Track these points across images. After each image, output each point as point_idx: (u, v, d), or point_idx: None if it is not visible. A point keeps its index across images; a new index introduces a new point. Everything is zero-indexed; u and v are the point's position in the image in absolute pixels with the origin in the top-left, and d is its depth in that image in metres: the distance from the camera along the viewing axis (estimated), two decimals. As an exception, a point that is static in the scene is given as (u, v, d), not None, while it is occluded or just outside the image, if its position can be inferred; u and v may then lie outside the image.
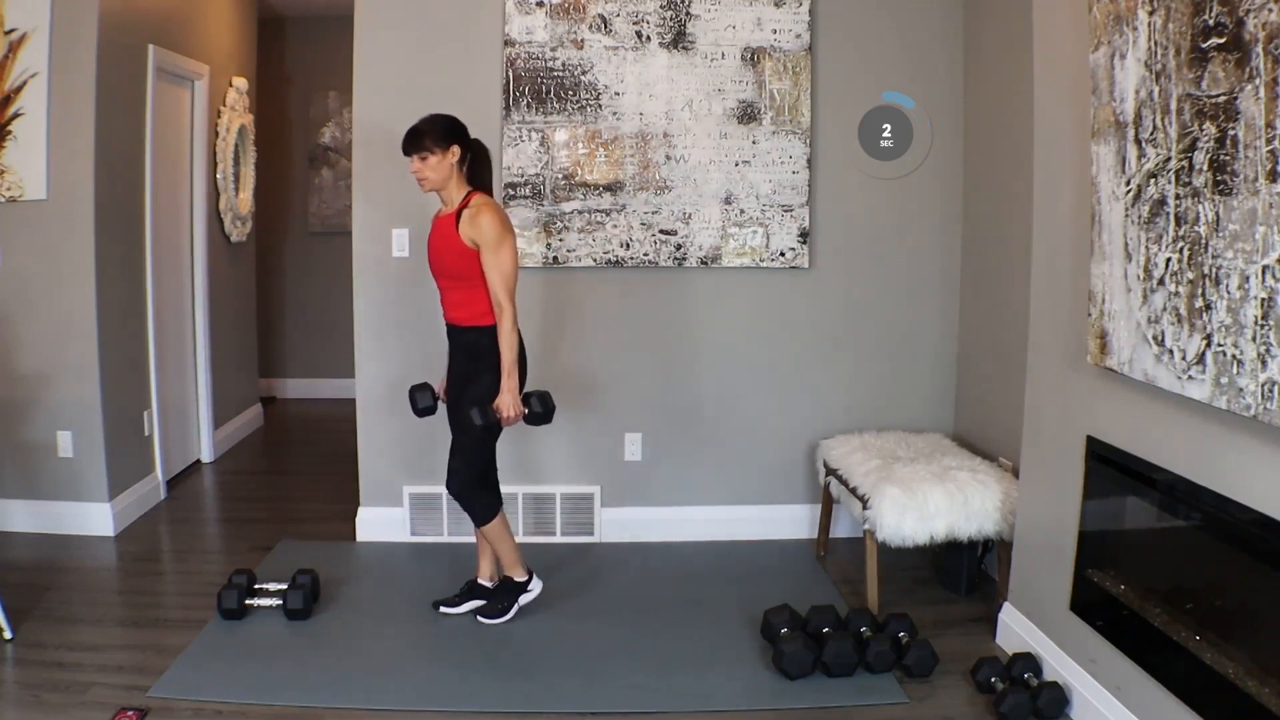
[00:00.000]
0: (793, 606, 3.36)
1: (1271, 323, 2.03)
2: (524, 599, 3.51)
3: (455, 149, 3.26)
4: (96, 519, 4.34)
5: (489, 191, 3.39)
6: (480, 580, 3.63)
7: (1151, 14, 2.41)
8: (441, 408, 3.62)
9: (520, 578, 3.52)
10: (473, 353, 3.36)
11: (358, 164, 4.20)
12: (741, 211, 4.22)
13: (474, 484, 3.41)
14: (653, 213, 4.20)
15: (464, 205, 3.27)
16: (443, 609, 3.59)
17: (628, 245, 4.21)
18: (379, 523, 4.34)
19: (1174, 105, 2.33)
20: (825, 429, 4.34)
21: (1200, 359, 2.27)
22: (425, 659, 3.27)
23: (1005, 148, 3.88)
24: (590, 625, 3.52)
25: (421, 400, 3.53)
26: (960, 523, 3.46)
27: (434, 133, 3.24)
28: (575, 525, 4.35)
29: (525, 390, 3.38)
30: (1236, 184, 2.12)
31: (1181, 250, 2.33)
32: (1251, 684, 2.18)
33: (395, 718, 2.92)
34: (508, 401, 3.27)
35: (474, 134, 3.34)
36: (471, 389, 3.35)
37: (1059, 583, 3.01)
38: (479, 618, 3.47)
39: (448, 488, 3.44)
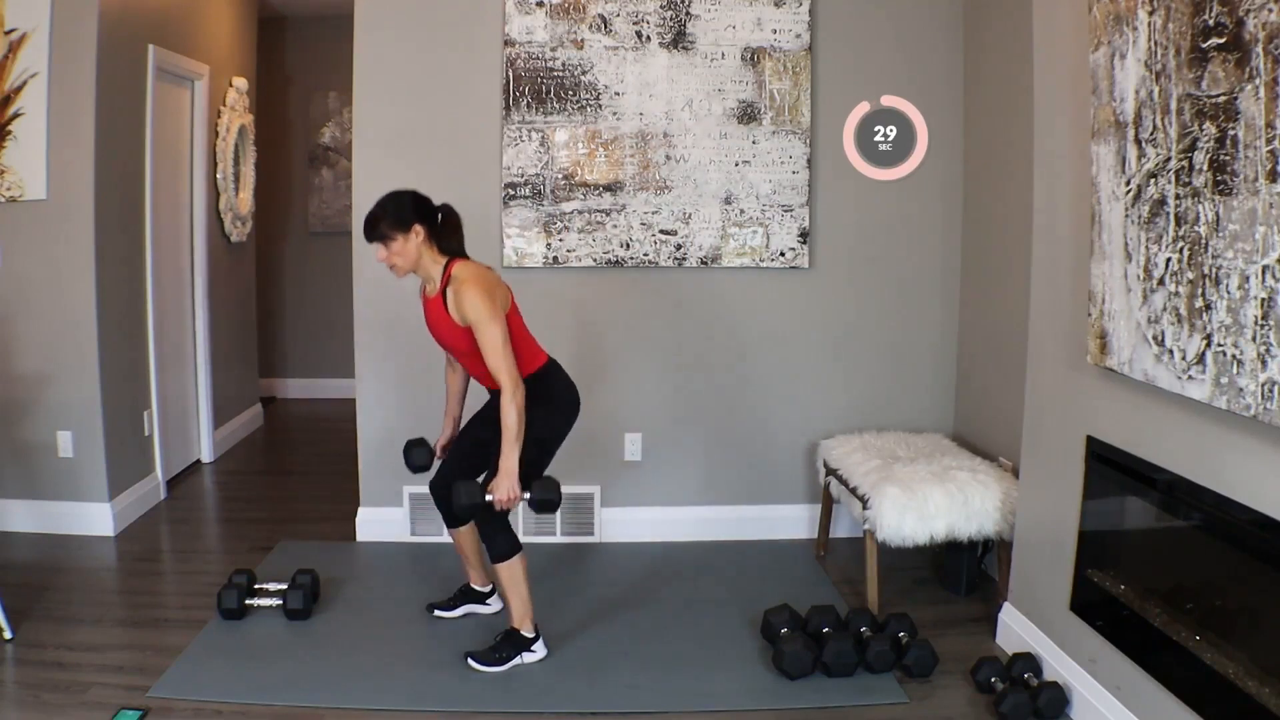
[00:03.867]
0: (793, 606, 3.37)
1: (1271, 323, 2.03)
2: (526, 658, 3.22)
3: (417, 229, 3.02)
4: (96, 519, 4.34)
5: (462, 255, 3.16)
6: (473, 585, 3.61)
7: (1151, 14, 2.41)
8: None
9: (527, 634, 3.23)
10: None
11: (358, 164, 4.20)
12: (741, 211, 4.22)
13: (495, 517, 3.14)
14: (653, 213, 4.20)
15: (446, 281, 3.06)
16: (437, 612, 3.58)
17: (628, 245, 4.21)
18: (379, 523, 4.34)
19: (1174, 105, 2.33)
20: (825, 429, 4.34)
21: (1200, 359, 2.27)
22: (425, 659, 3.27)
23: (1005, 148, 3.88)
24: (590, 625, 3.52)
25: (417, 458, 3.36)
26: (960, 523, 3.46)
27: (389, 218, 3.01)
28: (575, 525, 4.35)
29: (544, 473, 3.15)
30: (1236, 184, 2.12)
31: (1181, 250, 2.33)
32: (1251, 684, 2.18)
33: (395, 718, 2.92)
34: (504, 485, 3.00)
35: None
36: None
37: (1059, 583, 3.01)
38: (470, 661, 3.18)
39: (478, 527, 3.22)
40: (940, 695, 3.06)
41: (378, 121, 4.13)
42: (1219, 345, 2.20)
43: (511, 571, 3.19)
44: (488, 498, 3.04)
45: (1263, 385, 2.06)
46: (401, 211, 3.03)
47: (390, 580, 3.94)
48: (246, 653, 3.27)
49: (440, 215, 3.13)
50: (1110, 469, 2.77)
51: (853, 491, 3.70)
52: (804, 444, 4.40)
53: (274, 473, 5.61)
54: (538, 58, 4.11)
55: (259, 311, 6.55)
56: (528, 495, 3.07)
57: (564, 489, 4.26)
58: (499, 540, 3.17)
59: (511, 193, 4.15)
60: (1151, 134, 2.43)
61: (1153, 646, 2.56)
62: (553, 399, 3.22)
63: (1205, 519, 2.42)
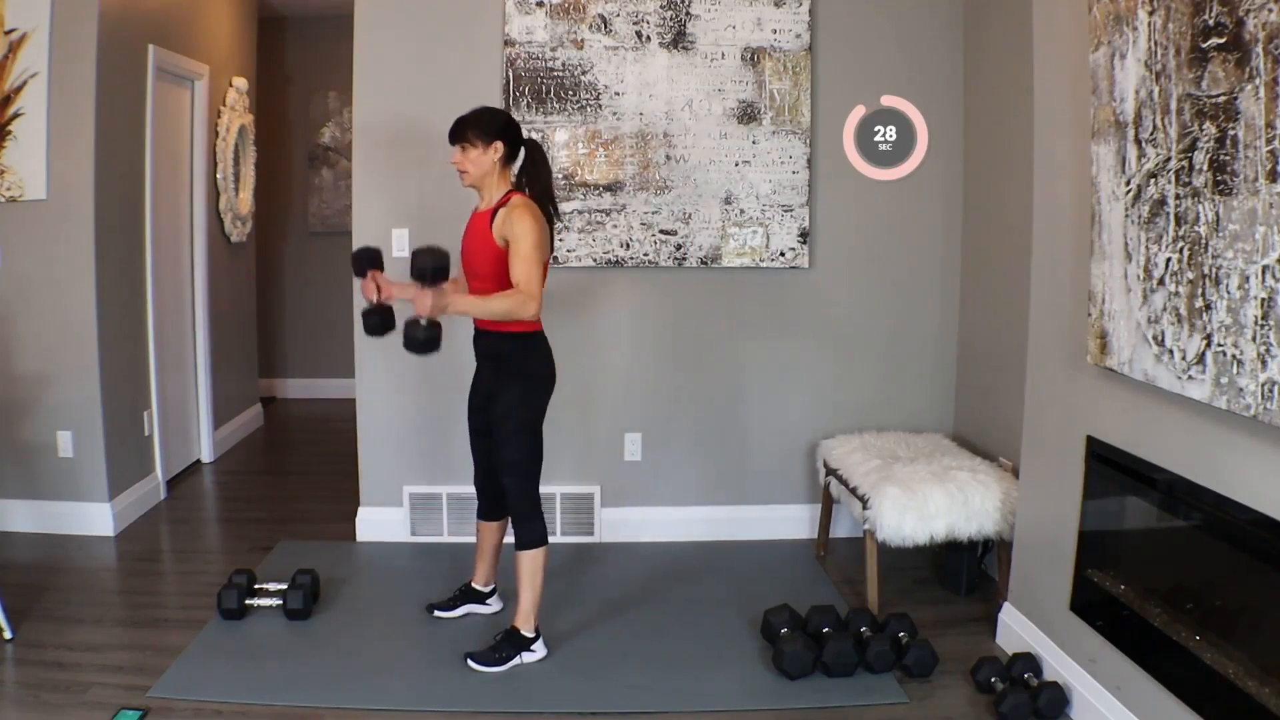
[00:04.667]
0: (793, 606, 3.37)
1: (1271, 323, 2.03)
2: (526, 658, 3.23)
3: (498, 145, 3.10)
4: (96, 519, 4.34)
5: (549, 195, 3.21)
6: (475, 585, 3.61)
7: (1151, 14, 2.41)
8: (461, 418, 3.50)
9: (528, 633, 3.24)
10: (497, 360, 3.21)
11: (358, 164, 4.20)
12: (741, 211, 4.22)
13: (533, 499, 3.22)
14: (653, 213, 4.20)
15: (501, 204, 3.10)
16: (437, 612, 3.58)
17: (628, 245, 4.21)
18: (379, 523, 4.34)
19: (1174, 105, 2.33)
20: (825, 429, 4.34)
21: (1200, 359, 2.27)
22: (425, 659, 3.27)
23: (1005, 148, 3.88)
24: (590, 625, 3.52)
25: (370, 321, 3.14)
26: (960, 523, 3.46)
27: (479, 125, 3.10)
28: (575, 525, 4.35)
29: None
30: (1236, 184, 2.12)
31: (1181, 250, 2.33)
32: (1251, 684, 2.18)
33: (395, 718, 2.92)
34: (427, 304, 2.86)
35: None
36: (498, 402, 3.19)
37: (1059, 583, 3.01)
38: (470, 661, 3.19)
39: (510, 511, 3.26)
40: (940, 695, 3.06)
41: (378, 122, 4.13)
42: (1219, 345, 2.20)
43: (534, 562, 3.21)
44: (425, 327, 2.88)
45: (1263, 385, 2.06)
46: (491, 124, 3.12)
47: (390, 580, 3.94)
48: (246, 653, 3.27)
49: (527, 150, 3.21)
50: (1110, 469, 2.77)
51: (853, 491, 3.70)
52: (804, 444, 4.40)
53: (274, 473, 5.61)
54: (538, 58, 4.11)
55: (259, 311, 6.54)
56: (423, 322, 2.88)
57: (564, 489, 4.32)
58: (530, 527, 3.21)
59: (511, 193, 4.15)
60: (1151, 134, 2.43)
61: (1153, 646, 2.56)
62: (537, 371, 3.23)
63: (1205, 519, 2.42)
